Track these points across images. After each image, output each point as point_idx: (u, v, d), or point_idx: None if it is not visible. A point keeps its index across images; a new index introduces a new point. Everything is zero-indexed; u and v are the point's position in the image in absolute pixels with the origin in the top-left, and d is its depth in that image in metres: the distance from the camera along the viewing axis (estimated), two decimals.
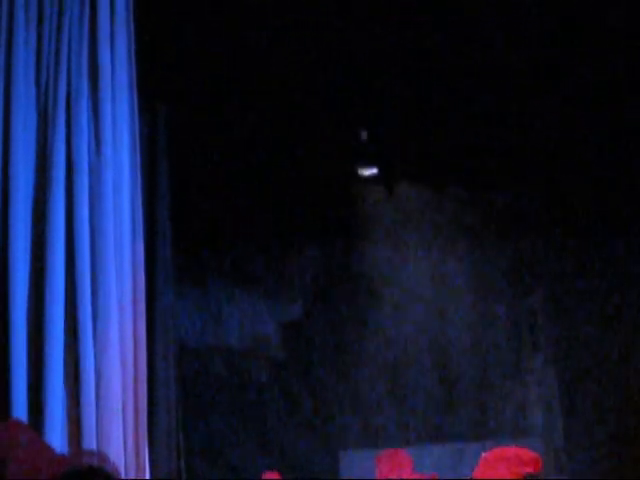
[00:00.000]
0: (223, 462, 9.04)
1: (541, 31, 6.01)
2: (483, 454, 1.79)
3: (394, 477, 4.27)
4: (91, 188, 4.33)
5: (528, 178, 7.59)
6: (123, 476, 3.78)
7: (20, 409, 4.01)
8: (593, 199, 7.54)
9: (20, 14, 4.39)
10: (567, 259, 8.81)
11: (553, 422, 9.32)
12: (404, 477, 4.23)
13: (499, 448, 1.82)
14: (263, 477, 6.09)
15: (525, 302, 9.99)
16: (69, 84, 4.41)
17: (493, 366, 10.05)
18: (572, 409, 8.87)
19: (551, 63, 6.24)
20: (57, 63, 4.43)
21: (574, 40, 6.06)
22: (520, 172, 7.44)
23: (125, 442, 4.16)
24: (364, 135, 7.21)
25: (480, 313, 9.83)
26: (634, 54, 6.03)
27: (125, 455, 4.12)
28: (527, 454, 1.82)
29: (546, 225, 8.82)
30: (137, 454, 4.19)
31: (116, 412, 4.16)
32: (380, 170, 7.76)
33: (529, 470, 1.83)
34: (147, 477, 4.26)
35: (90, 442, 4.03)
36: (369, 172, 7.83)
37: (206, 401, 9.22)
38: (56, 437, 3.98)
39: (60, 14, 4.45)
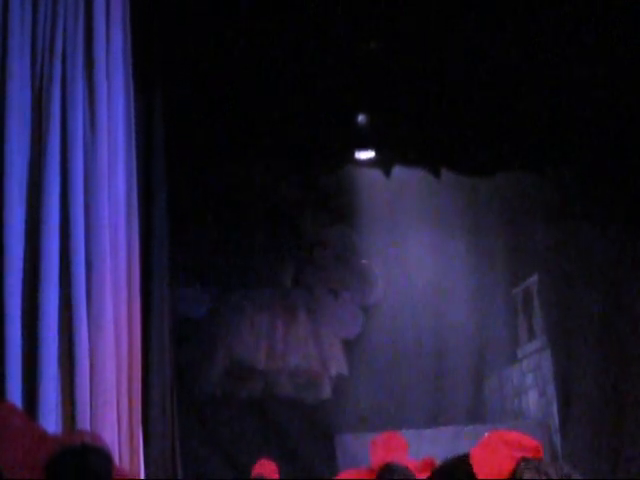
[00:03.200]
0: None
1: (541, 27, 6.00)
2: (486, 434, 1.78)
3: (389, 460, 4.25)
4: (86, 169, 4.30)
5: (527, 164, 7.56)
6: (117, 459, 3.76)
7: (14, 393, 3.99)
8: (596, 183, 7.52)
9: None
10: (566, 244, 8.80)
11: (548, 406, 9.34)
12: (399, 460, 4.22)
13: (501, 431, 1.80)
14: (258, 464, 6.10)
15: (522, 288, 9.99)
16: (64, 64, 4.38)
17: (490, 351, 10.07)
18: (567, 394, 8.88)
19: (544, 55, 6.22)
20: (52, 43, 4.40)
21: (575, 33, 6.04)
22: (519, 158, 7.41)
23: (119, 426, 4.14)
24: (362, 118, 7.16)
25: (477, 298, 9.84)
26: None
27: (119, 438, 4.11)
28: (529, 441, 1.80)
29: (545, 210, 8.81)
30: (131, 438, 4.18)
31: (110, 396, 4.14)
32: (377, 153, 7.73)
33: (528, 456, 1.80)
34: (141, 461, 4.25)
35: (84, 425, 4.01)
36: (366, 155, 7.80)
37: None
38: (50, 421, 3.96)
39: None
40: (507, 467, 1.75)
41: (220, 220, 9.17)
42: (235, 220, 9.29)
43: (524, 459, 1.78)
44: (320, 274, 9.70)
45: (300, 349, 9.39)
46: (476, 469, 1.74)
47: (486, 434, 1.80)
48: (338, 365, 9.51)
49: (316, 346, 9.44)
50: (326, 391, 9.52)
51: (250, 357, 9.24)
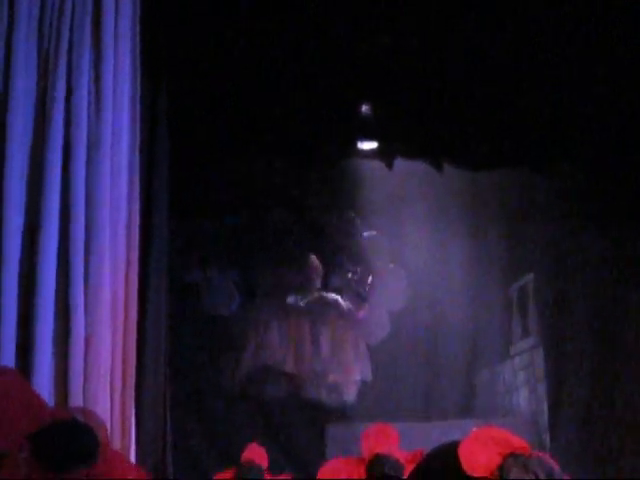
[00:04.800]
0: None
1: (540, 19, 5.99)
2: (475, 429, 1.78)
3: (380, 451, 4.28)
4: (89, 149, 4.31)
5: (528, 160, 7.56)
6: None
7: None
8: (596, 180, 7.52)
9: None
10: (563, 244, 8.82)
11: (538, 404, 9.37)
12: (390, 452, 4.25)
13: (491, 427, 1.81)
14: (247, 449, 6.15)
15: (518, 285, 10.01)
16: (71, 43, 4.38)
17: (483, 346, 10.09)
18: (558, 393, 8.91)
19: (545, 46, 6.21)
20: (59, 22, 4.40)
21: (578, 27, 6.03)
22: (520, 154, 7.40)
23: (112, 404, 4.17)
24: (365, 109, 7.14)
25: (474, 293, 9.85)
26: None
27: (111, 417, 4.13)
28: (517, 441, 1.80)
29: (544, 209, 8.82)
30: (123, 416, 4.21)
31: (104, 374, 4.17)
32: (380, 145, 7.71)
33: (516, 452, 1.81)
34: (132, 439, 4.28)
35: (77, 402, 4.03)
36: (369, 146, 7.78)
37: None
38: (43, 396, 3.97)
39: None
40: (494, 462, 1.76)
41: (249, 220, 9.28)
42: (264, 222, 9.38)
43: (512, 455, 1.78)
44: (348, 278, 9.74)
45: (327, 354, 9.42)
46: (464, 462, 1.74)
47: (474, 428, 1.81)
48: (364, 371, 9.55)
49: (343, 351, 9.48)
50: (351, 395, 9.54)
51: (276, 360, 9.29)
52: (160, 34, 4.95)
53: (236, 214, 9.26)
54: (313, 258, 9.62)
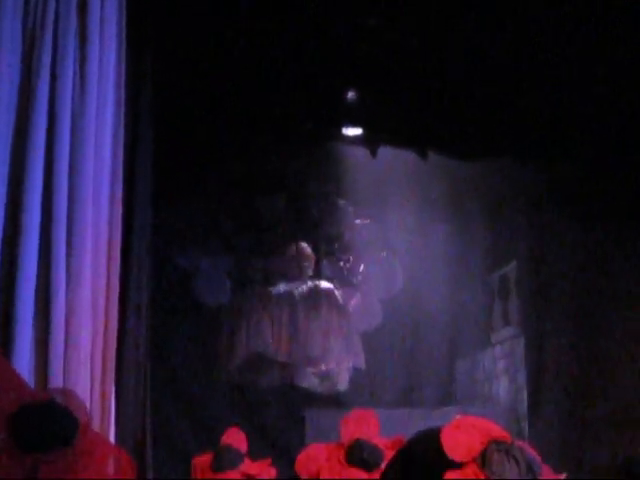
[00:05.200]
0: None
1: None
2: (458, 416, 1.81)
3: (360, 437, 4.29)
4: (73, 125, 4.29)
5: (512, 151, 7.57)
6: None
7: None
8: (580, 177, 7.54)
9: None
10: (546, 235, 8.85)
11: (518, 393, 9.42)
12: (370, 438, 4.26)
13: (473, 416, 1.83)
14: (226, 434, 6.15)
15: (500, 273, 10.04)
16: (57, 18, 4.35)
17: (464, 334, 10.13)
18: (537, 383, 8.96)
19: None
20: (45, 6, 4.37)
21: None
22: (504, 145, 7.41)
23: (92, 386, 4.16)
24: (351, 95, 7.14)
25: (456, 281, 9.88)
26: None
27: (91, 398, 4.12)
28: (498, 430, 1.82)
29: (529, 200, 8.84)
30: (103, 398, 4.20)
31: (84, 356, 4.16)
32: (364, 131, 7.71)
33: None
34: (112, 421, 4.27)
35: (57, 384, 4.02)
36: (353, 133, 7.78)
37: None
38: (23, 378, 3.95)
39: None
40: (477, 447, 1.77)
41: (241, 208, 9.29)
42: (255, 210, 9.39)
43: (495, 441, 1.80)
44: (340, 266, 9.77)
45: (320, 342, 9.45)
46: (446, 447, 1.76)
47: (457, 416, 1.83)
48: (356, 358, 9.59)
49: (336, 339, 9.51)
50: (344, 383, 9.58)
51: (269, 348, 9.31)
52: (147, 20, 4.92)
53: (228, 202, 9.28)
54: (305, 246, 9.64)
